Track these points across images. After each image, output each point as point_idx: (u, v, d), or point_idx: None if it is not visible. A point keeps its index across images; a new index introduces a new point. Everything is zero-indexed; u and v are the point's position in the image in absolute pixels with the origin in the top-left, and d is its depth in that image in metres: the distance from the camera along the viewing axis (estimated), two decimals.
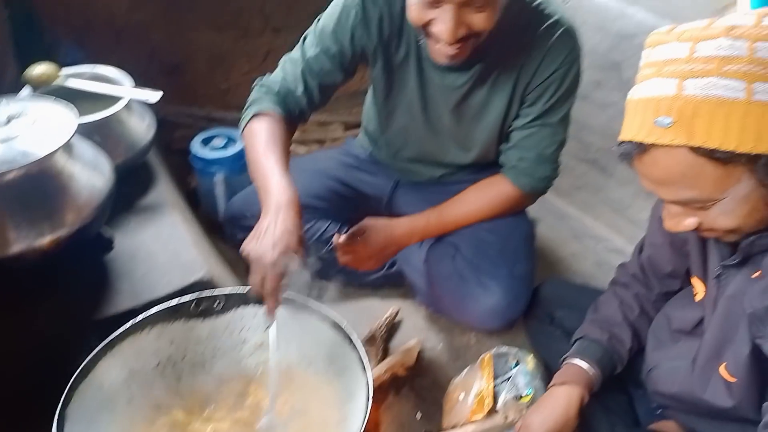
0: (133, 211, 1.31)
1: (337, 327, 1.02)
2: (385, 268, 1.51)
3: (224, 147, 1.62)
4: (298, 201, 1.01)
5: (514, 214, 1.41)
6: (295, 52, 1.28)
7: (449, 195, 1.40)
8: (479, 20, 1.05)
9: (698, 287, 0.99)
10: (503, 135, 1.33)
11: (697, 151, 0.72)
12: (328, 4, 1.29)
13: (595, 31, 1.77)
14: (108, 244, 1.19)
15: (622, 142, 0.80)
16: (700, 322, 0.98)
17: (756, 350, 0.83)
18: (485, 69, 1.23)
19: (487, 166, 1.41)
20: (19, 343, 1.01)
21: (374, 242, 1.33)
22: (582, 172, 1.89)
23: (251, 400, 1.06)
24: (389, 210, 1.53)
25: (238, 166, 1.59)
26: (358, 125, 1.85)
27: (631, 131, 0.78)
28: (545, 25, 1.18)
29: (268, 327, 0.99)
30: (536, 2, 1.20)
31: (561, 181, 1.93)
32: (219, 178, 1.57)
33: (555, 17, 1.19)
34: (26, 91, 1.30)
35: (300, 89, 1.24)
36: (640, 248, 1.16)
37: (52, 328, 1.06)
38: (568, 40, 1.19)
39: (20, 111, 1.04)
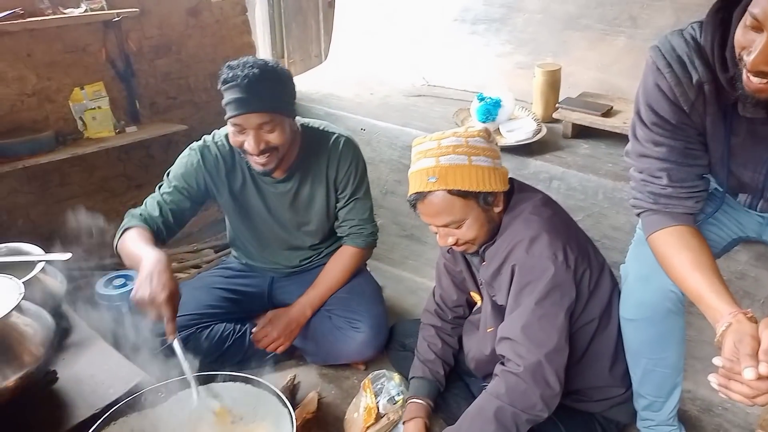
0: (64, 350, 1.61)
1: (262, 385, 1.42)
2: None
3: (124, 285, 1.97)
4: (168, 260, 1.42)
5: (364, 276, 1.95)
6: (154, 192, 1.76)
7: (312, 276, 1.91)
8: (273, 138, 1.61)
9: (476, 297, 1.60)
10: (330, 216, 1.88)
11: (450, 192, 1.34)
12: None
13: (388, 146, 2.47)
14: (53, 377, 1.48)
15: (411, 195, 1.40)
16: None
17: (494, 304, 1.44)
18: (303, 175, 1.80)
19: (328, 243, 1.95)
20: None
21: (279, 325, 1.81)
22: (405, 245, 2.51)
23: None
24: (272, 302, 1.98)
25: None
26: (226, 247, 2.28)
27: (414, 187, 1.39)
28: (332, 139, 1.81)
29: (170, 342, 1.37)
30: (322, 127, 1.83)
31: (393, 255, 2.53)
32: (125, 311, 1.90)
33: (337, 133, 1.82)
34: None
35: (156, 213, 1.71)
36: (433, 292, 1.77)
37: None
38: (350, 145, 1.83)
39: None
